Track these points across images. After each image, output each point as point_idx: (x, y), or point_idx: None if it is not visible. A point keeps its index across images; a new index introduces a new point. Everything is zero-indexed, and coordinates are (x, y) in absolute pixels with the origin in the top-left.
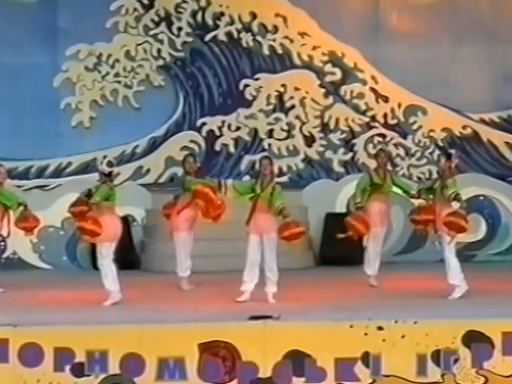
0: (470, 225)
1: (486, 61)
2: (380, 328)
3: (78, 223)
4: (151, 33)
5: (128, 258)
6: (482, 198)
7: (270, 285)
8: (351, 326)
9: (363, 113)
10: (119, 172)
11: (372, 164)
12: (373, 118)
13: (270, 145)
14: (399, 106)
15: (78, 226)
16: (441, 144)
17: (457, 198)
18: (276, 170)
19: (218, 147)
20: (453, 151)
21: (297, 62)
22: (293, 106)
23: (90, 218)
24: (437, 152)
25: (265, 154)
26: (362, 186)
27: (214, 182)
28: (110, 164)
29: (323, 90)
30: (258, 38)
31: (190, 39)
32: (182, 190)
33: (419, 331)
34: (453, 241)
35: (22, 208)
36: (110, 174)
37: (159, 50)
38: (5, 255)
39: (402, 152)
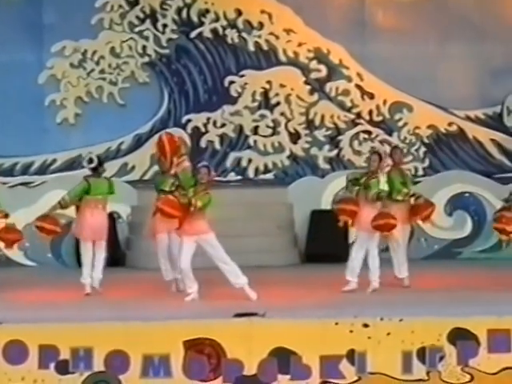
0: (396, 219)
1: (472, 58)
2: (365, 325)
3: (35, 222)
4: (136, 30)
5: (113, 254)
6: (467, 195)
7: (234, 277)
8: (336, 324)
9: (348, 110)
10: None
11: (357, 161)
12: (358, 115)
13: (255, 141)
14: (384, 102)
15: (35, 224)
16: (426, 141)
17: (379, 197)
18: (214, 178)
19: (203, 144)
20: (383, 151)
21: (282, 58)
22: (278, 103)
23: (48, 217)
24: (422, 149)
25: (204, 162)
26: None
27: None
28: (90, 161)
29: (308, 87)
30: (244, 34)
31: (175, 36)
32: (156, 190)
33: (405, 328)
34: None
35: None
36: (95, 170)
37: (144, 47)
38: None
39: (387, 149)
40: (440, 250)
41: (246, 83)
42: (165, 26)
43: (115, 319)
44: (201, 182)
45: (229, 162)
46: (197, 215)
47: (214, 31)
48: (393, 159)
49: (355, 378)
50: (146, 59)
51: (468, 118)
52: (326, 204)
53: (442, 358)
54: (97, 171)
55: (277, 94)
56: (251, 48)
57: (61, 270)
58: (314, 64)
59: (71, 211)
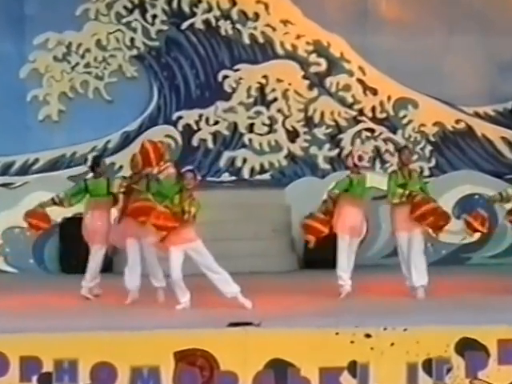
0: (325, 226)
1: (480, 51)
2: (368, 335)
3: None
4: (124, 21)
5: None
6: (476, 197)
7: (226, 286)
8: (337, 334)
9: (350, 106)
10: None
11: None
12: (360, 112)
13: (250, 140)
14: (388, 98)
15: (24, 219)
16: (432, 139)
17: (329, 196)
18: (200, 183)
19: (195, 142)
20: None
21: (279, 51)
22: (275, 99)
23: (37, 212)
24: (428, 148)
25: (189, 167)
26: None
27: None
28: (85, 161)
29: (307, 82)
30: (238, 26)
31: (165, 27)
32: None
33: (409, 339)
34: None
35: None
36: (93, 170)
37: (132, 39)
38: None
39: (391, 147)
40: (448, 256)
41: (240, 78)
42: (154, 16)
43: (101, 329)
44: (187, 188)
45: (222, 162)
46: (185, 223)
47: (207, 22)
48: (400, 159)
49: None
50: (135, 52)
51: (477, 115)
52: None
53: (449, 370)
54: (94, 171)
55: (273, 90)
56: (246, 40)
57: (43, 277)
58: (313, 57)
59: (55, 213)
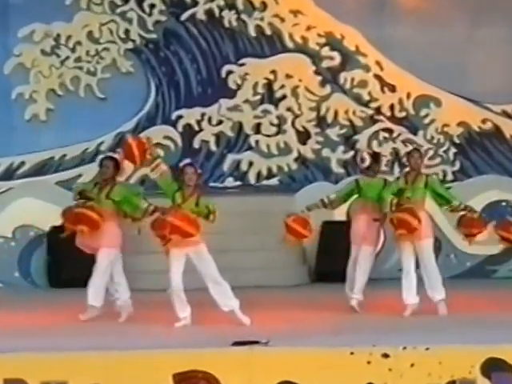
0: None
1: (508, 43)
2: (385, 355)
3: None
4: (118, 10)
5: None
6: (504, 203)
7: (226, 299)
8: (352, 353)
9: (366, 104)
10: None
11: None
12: (377, 111)
13: (257, 142)
14: (408, 96)
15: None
16: (457, 141)
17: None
18: (201, 181)
19: (196, 144)
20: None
21: (288, 44)
22: (284, 97)
23: (72, 213)
24: (452, 150)
25: (187, 161)
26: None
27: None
28: None
29: (319, 78)
30: (243, 16)
31: (163, 18)
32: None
33: (431, 359)
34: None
35: None
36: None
37: (127, 31)
38: None
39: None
40: (472, 268)
41: (246, 73)
42: (152, 6)
43: (93, 348)
44: (188, 185)
45: (226, 166)
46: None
47: (209, 13)
48: (409, 162)
49: None
50: (130, 45)
51: (505, 114)
52: (339, 214)
53: None
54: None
55: (282, 86)
56: (252, 32)
57: (30, 291)
58: (325, 51)
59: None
